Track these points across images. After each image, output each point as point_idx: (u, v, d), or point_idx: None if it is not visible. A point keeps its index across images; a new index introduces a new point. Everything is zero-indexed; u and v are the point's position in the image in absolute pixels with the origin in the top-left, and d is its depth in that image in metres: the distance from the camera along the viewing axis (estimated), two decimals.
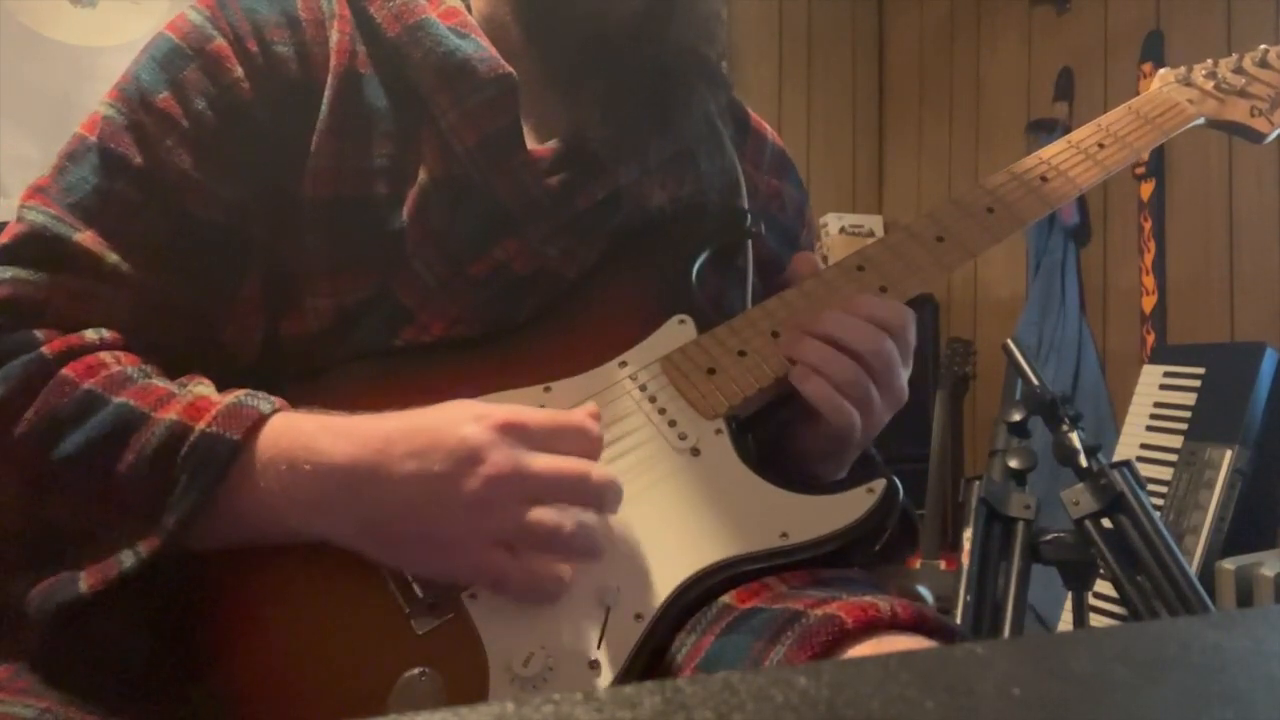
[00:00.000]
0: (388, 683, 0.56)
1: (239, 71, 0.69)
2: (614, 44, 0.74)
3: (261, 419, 0.59)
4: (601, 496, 0.58)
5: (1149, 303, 2.41)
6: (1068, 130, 2.67)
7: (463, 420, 0.58)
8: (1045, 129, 2.67)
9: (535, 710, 0.24)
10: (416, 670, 0.56)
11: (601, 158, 0.74)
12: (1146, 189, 2.42)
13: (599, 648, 0.58)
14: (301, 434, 0.59)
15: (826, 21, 3.33)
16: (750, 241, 0.82)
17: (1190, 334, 2.35)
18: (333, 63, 0.71)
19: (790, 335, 0.71)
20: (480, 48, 0.71)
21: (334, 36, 0.72)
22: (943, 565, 2.45)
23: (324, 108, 0.70)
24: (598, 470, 0.59)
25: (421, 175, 0.71)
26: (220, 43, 0.69)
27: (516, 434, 0.57)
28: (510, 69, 0.71)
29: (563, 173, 0.73)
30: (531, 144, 0.73)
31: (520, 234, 0.72)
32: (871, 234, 3.28)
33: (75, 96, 2.34)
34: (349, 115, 0.70)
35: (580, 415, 0.61)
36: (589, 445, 0.60)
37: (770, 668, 0.53)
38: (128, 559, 0.56)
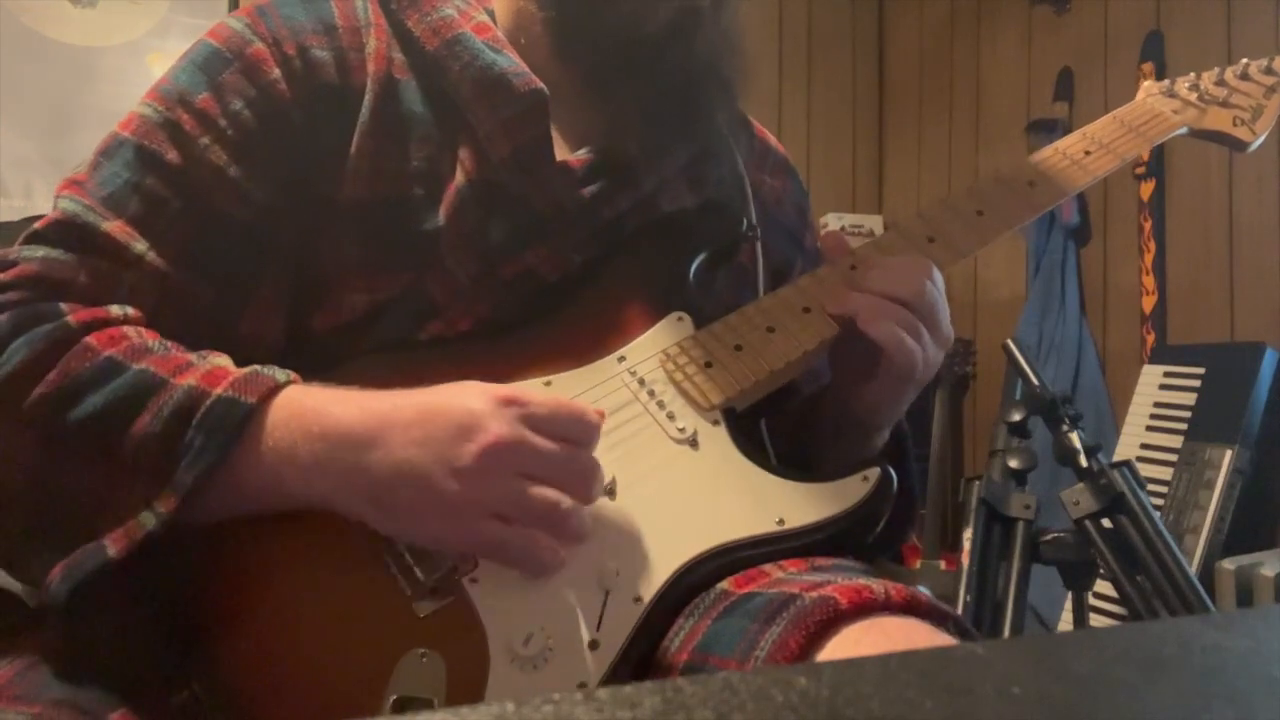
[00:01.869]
0: (389, 665, 0.57)
1: (277, 73, 0.71)
2: (642, 55, 0.77)
3: (277, 386, 0.61)
4: (587, 481, 0.60)
5: (1149, 303, 2.41)
6: (1068, 130, 2.69)
7: (468, 394, 0.60)
8: (1045, 129, 2.67)
9: (535, 710, 0.24)
10: (417, 651, 0.57)
11: (631, 167, 0.77)
12: (1146, 189, 2.42)
13: (598, 629, 0.59)
14: (313, 400, 0.61)
15: (826, 21, 3.33)
16: (760, 244, 0.84)
17: (1190, 334, 2.35)
18: (371, 68, 0.73)
19: (835, 296, 0.74)
20: (513, 62, 0.74)
21: (371, 43, 0.74)
22: (943, 565, 2.45)
23: (364, 111, 0.72)
24: (587, 454, 0.60)
25: (459, 177, 0.73)
26: (259, 47, 0.71)
27: (518, 409, 0.59)
28: (540, 84, 0.73)
29: (595, 183, 0.75)
30: (561, 153, 0.76)
31: (550, 241, 0.74)
32: (871, 234, 3.28)
33: (75, 96, 2.34)
34: (388, 119, 0.73)
35: (583, 404, 0.62)
36: (585, 431, 0.61)
37: (768, 667, 0.53)
38: (149, 520, 0.57)
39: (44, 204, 2.31)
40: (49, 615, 0.58)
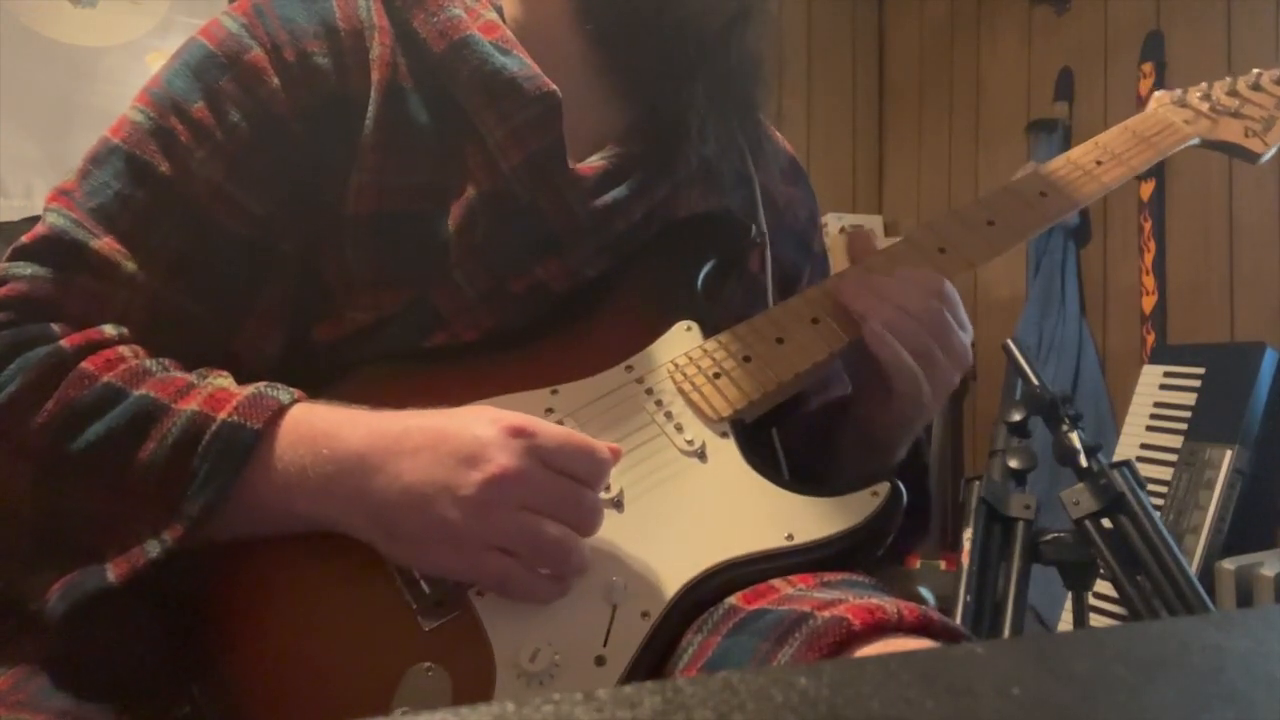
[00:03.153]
0: (394, 678, 0.56)
1: (275, 83, 0.68)
2: (690, 54, 0.75)
3: (282, 409, 0.60)
4: (589, 519, 0.59)
5: (1149, 303, 2.41)
6: (1068, 130, 2.69)
7: (477, 421, 0.59)
8: (1045, 129, 2.66)
9: (535, 710, 0.24)
10: (423, 666, 0.57)
11: (647, 174, 0.75)
12: (1146, 189, 2.42)
13: (605, 644, 0.58)
14: (321, 421, 0.60)
15: (826, 21, 3.33)
16: (769, 251, 0.83)
17: (1190, 334, 2.34)
18: (375, 76, 0.70)
19: (852, 292, 0.73)
20: (524, 65, 0.71)
21: (375, 49, 0.71)
22: (943, 565, 2.45)
23: (369, 121, 0.69)
24: (591, 495, 0.59)
25: (469, 189, 0.71)
26: (257, 53, 0.69)
27: (526, 440, 0.58)
28: (553, 87, 0.71)
29: (608, 192, 0.73)
30: (571, 159, 0.73)
31: (562, 254, 0.73)
32: (871, 234, 3.28)
33: (75, 96, 2.34)
34: (393, 130, 0.70)
35: (595, 440, 0.61)
36: (594, 467, 0.60)
37: (771, 667, 0.53)
38: (154, 548, 0.56)
39: (43, 204, 2.31)
40: (47, 630, 0.57)
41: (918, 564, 2.46)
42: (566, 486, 0.58)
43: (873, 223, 3.29)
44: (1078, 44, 2.68)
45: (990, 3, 3.00)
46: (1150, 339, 2.40)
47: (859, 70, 3.38)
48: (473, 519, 0.56)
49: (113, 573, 0.56)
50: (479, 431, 0.58)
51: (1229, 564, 1.79)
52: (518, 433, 0.58)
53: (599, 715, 0.24)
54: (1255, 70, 0.93)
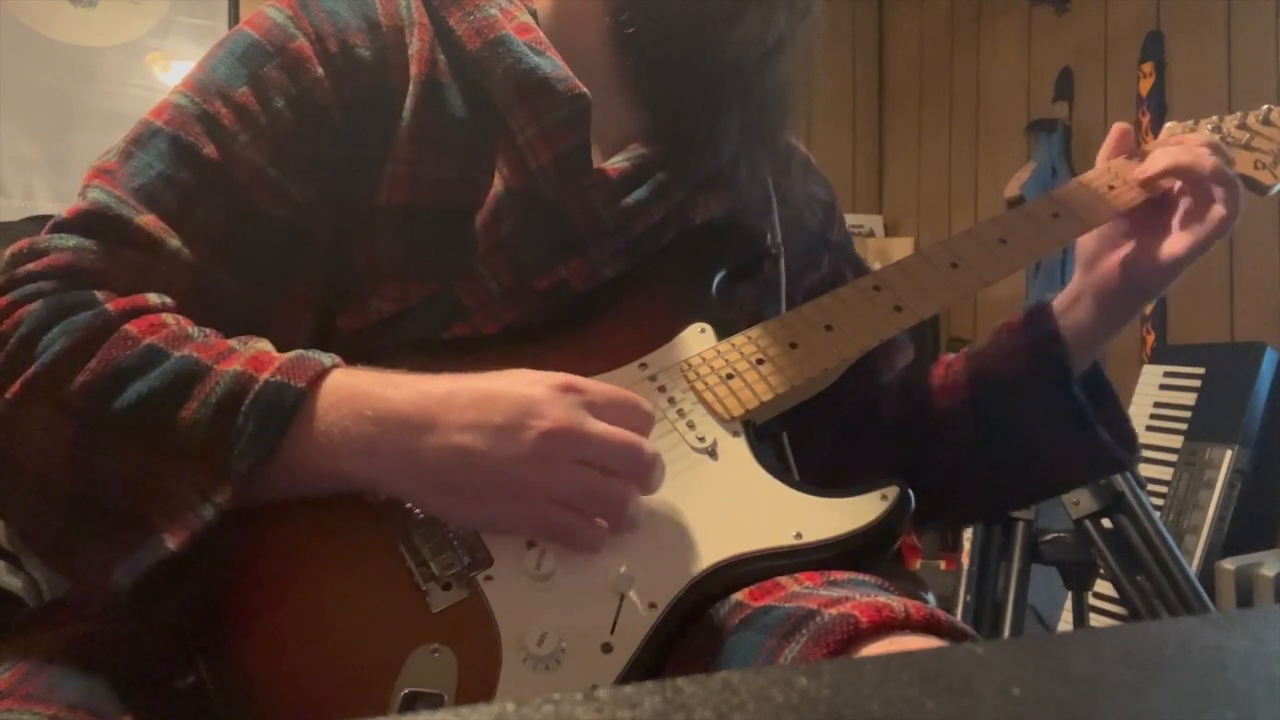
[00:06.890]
0: (400, 658, 0.57)
1: (319, 72, 0.70)
2: (728, 87, 0.77)
3: (324, 370, 0.61)
4: (650, 470, 0.60)
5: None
6: (1068, 130, 2.69)
7: (524, 381, 0.60)
8: (1045, 129, 2.67)
9: (535, 710, 0.24)
10: (429, 647, 0.57)
11: (666, 176, 0.76)
12: None
13: (612, 632, 0.59)
14: (363, 383, 0.61)
15: (826, 21, 3.33)
16: (782, 260, 0.84)
17: (1190, 334, 2.35)
18: (413, 71, 0.72)
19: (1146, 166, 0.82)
20: (556, 66, 0.73)
21: (414, 44, 0.73)
22: (943, 565, 2.45)
23: (406, 115, 0.71)
24: (650, 444, 0.60)
25: (497, 185, 0.72)
26: (302, 42, 0.70)
27: (576, 395, 0.59)
28: (584, 89, 0.73)
29: (630, 193, 0.75)
30: (595, 159, 0.75)
31: (585, 254, 0.74)
32: (871, 234, 3.28)
33: (75, 96, 2.34)
34: (429, 124, 0.72)
35: (636, 395, 0.62)
36: (642, 422, 0.61)
37: (771, 667, 0.53)
38: (208, 511, 0.57)
39: (44, 204, 2.32)
40: (57, 612, 0.57)
41: (918, 564, 2.46)
42: (623, 439, 0.59)
43: (873, 223, 3.29)
44: (1078, 44, 2.69)
45: (990, 3, 3.00)
46: (1150, 339, 2.40)
47: (859, 71, 3.38)
48: (534, 472, 0.57)
49: (171, 541, 0.56)
50: (527, 390, 0.59)
51: (1229, 564, 1.79)
52: (567, 389, 0.59)
53: (599, 715, 0.24)
54: (1265, 106, 0.95)
